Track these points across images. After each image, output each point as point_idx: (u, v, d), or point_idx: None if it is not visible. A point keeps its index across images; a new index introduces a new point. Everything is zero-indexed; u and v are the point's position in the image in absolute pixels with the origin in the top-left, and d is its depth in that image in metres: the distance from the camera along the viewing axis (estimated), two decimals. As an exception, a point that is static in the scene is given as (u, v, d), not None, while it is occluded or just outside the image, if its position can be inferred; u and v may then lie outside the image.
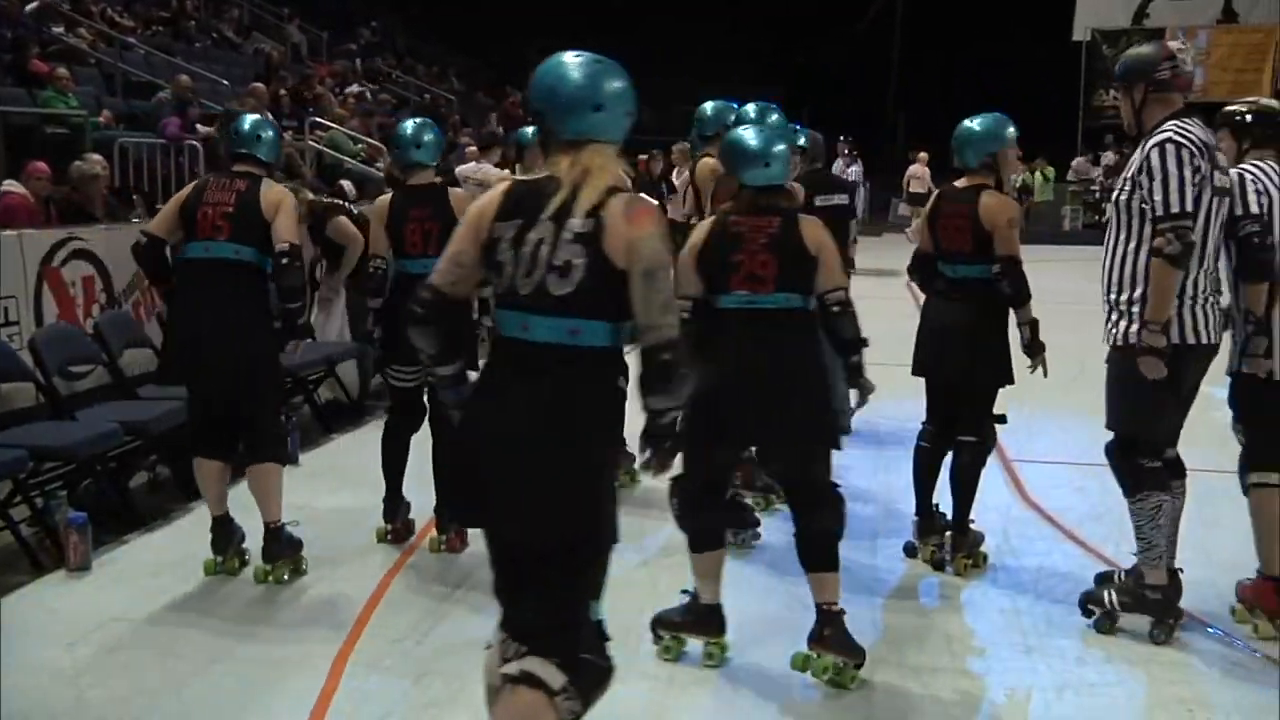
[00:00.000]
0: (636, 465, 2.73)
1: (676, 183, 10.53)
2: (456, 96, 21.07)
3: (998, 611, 4.39)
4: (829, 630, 3.78)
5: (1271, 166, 4.22)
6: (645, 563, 4.83)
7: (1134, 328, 3.94)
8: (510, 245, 2.65)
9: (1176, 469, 4.20)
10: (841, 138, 17.91)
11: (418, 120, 5.33)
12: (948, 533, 4.81)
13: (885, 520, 5.40)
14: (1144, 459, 4.07)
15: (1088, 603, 4.26)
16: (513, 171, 7.11)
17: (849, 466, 6.36)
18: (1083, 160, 23.74)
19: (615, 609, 2.89)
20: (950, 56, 32.67)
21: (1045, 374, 4.64)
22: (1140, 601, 4.13)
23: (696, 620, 3.96)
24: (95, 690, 3.69)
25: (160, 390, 6.02)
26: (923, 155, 18.71)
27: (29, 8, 12.16)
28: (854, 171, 17.38)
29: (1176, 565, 4.23)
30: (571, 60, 2.72)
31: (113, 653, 3.98)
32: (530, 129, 6.98)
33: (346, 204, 7.91)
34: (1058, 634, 4.17)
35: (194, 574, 4.68)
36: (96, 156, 7.92)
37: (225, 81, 13.27)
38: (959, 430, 4.73)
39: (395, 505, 5.17)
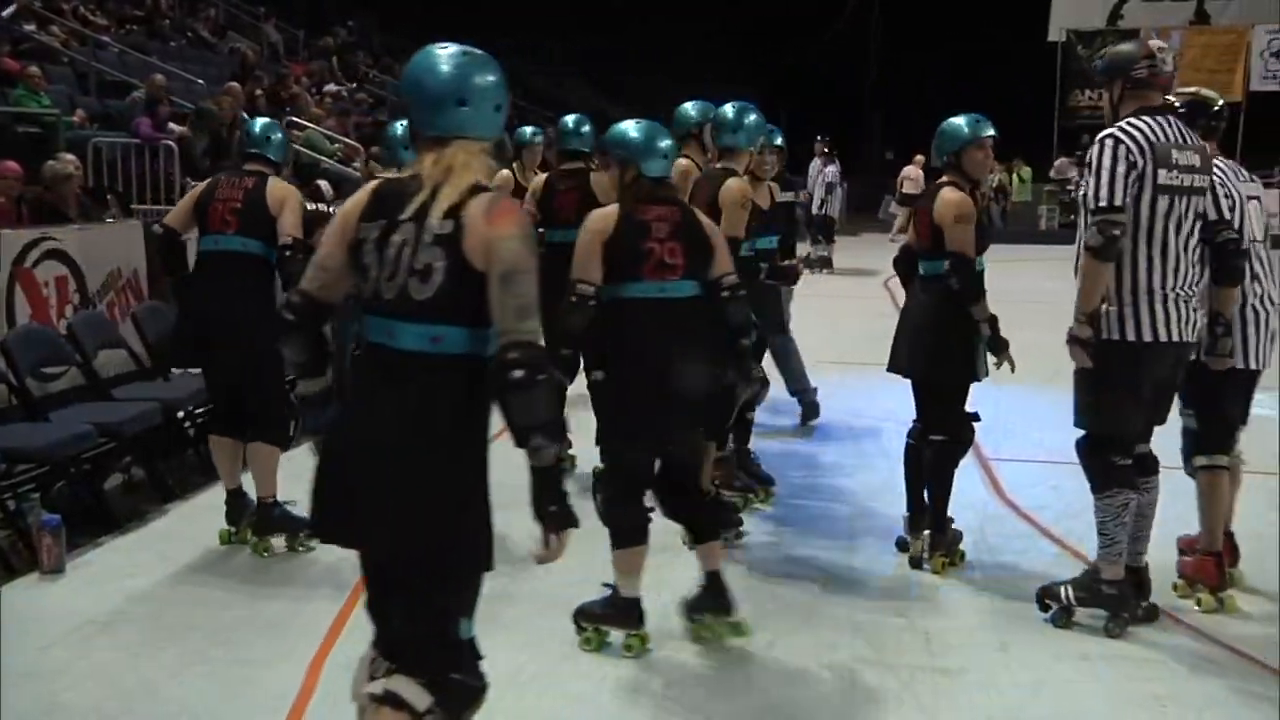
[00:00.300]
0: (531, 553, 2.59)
1: None
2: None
3: (975, 609, 4.41)
4: (718, 595, 4.02)
5: (1230, 164, 4.30)
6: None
7: (1115, 325, 3.99)
8: (374, 247, 2.53)
9: (1147, 466, 4.23)
10: (819, 138, 17.94)
11: (407, 121, 5.36)
12: (925, 531, 4.83)
13: (863, 519, 5.41)
14: (1114, 456, 4.10)
15: (1045, 597, 4.29)
16: (513, 171, 7.20)
17: (827, 465, 6.40)
18: (1065, 160, 23.86)
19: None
20: (927, 57, 32.81)
21: (1013, 369, 4.65)
22: (1095, 596, 4.17)
23: (617, 613, 4.02)
24: (69, 694, 3.66)
25: (135, 391, 6.00)
26: (919, 158, 18.79)
27: (5, 11, 12.06)
28: (831, 171, 17.40)
29: (1147, 559, 4.28)
30: (439, 52, 2.60)
31: (87, 655, 3.95)
32: (529, 129, 7.14)
33: (329, 209, 7.89)
34: (1034, 631, 4.19)
35: (169, 576, 4.65)
36: (69, 156, 7.88)
37: (200, 81, 13.20)
38: (931, 428, 4.75)
39: None
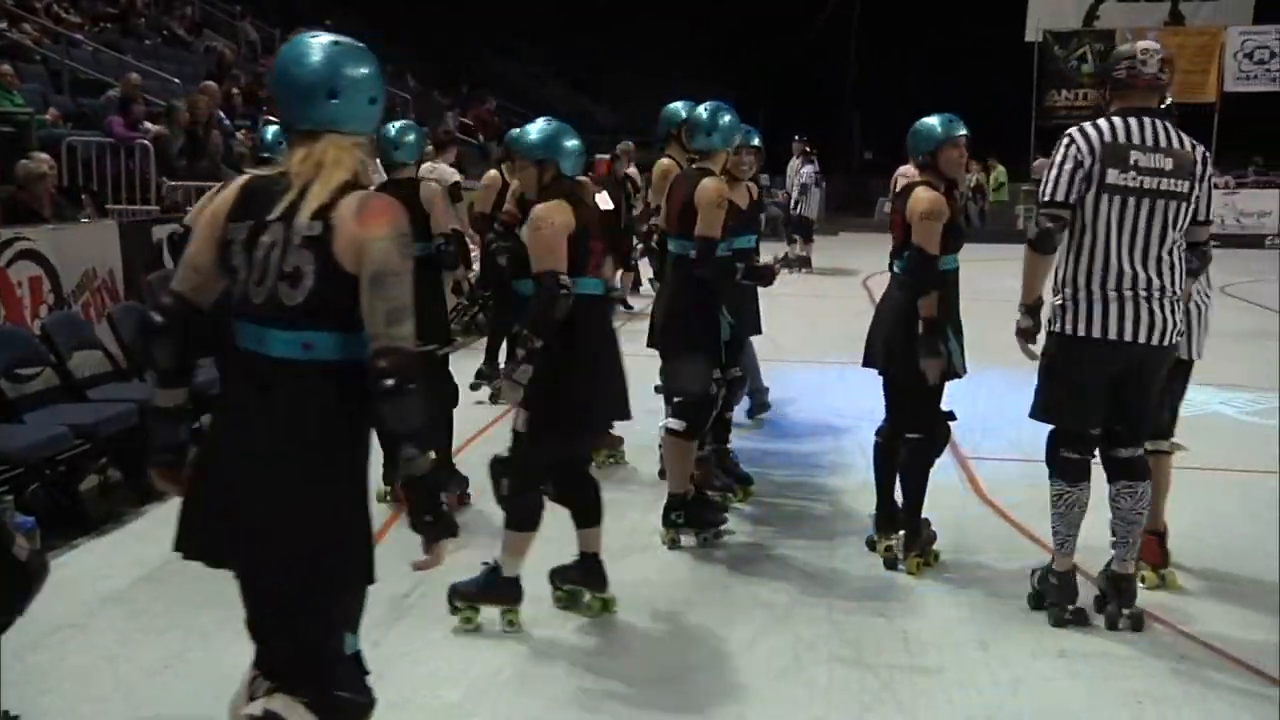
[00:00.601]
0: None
1: (640, 179, 10.59)
2: (412, 95, 20.94)
3: (953, 608, 4.43)
4: (593, 573, 4.22)
5: None
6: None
7: (1057, 317, 4.13)
8: (242, 249, 2.41)
9: (1119, 470, 4.22)
10: (797, 137, 17.96)
11: (400, 123, 5.63)
12: (899, 531, 4.84)
13: (842, 519, 5.42)
14: (1062, 447, 4.23)
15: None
16: (501, 174, 7.30)
17: (806, 464, 6.41)
18: (1043, 160, 23.95)
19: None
20: (906, 57, 32.94)
21: (930, 380, 4.60)
22: (1044, 584, 4.33)
23: (497, 591, 4.11)
24: (46, 697, 3.63)
25: (110, 392, 5.96)
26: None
27: None
28: (807, 172, 17.40)
29: (1132, 568, 4.29)
30: (310, 41, 2.47)
31: (63, 659, 3.91)
32: (518, 130, 7.11)
33: None
34: (1013, 629, 4.21)
35: (145, 578, 4.61)
36: (43, 155, 7.81)
37: (176, 80, 13.12)
38: (907, 426, 4.76)
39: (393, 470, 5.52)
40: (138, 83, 11.10)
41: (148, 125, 10.52)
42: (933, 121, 4.66)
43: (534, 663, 3.90)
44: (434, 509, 2.46)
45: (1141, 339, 4.04)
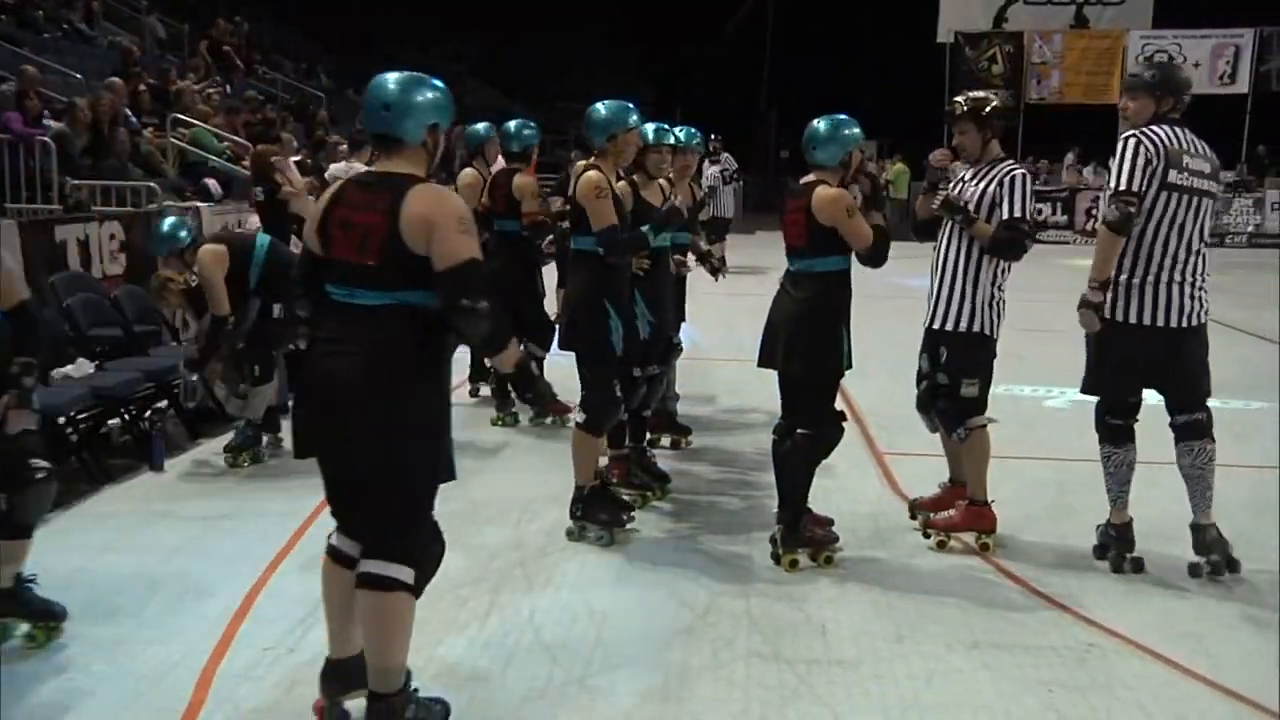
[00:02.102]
0: None
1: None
2: (326, 94, 20.64)
3: (870, 602, 4.48)
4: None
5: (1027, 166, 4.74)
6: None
7: (1114, 304, 4.65)
8: None
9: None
10: (712, 136, 18.01)
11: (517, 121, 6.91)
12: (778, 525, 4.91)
13: (759, 515, 5.45)
14: (1107, 415, 4.83)
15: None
16: (475, 169, 7.46)
17: (723, 462, 6.45)
18: (944, 152, 24.31)
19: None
20: (821, 57, 33.28)
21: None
22: (1105, 538, 4.91)
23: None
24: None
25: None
26: (897, 158, 19.09)
27: None
28: (712, 173, 17.45)
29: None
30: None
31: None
32: (482, 126, 7.74)
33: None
34: (928, 622, 4.28)
35: (64, 581, 4.46)
36: (-63, 153, 7.55)
37: (78, 75, 12.77)
38: (798, 423, 4.82)
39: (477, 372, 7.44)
40: (36, 77, 10.76)
41: (49, 122, 10.22)
42: (846, 124, 4.76)
43: (450, 666, 3.87)
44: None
45: (1182, 324, 4.62)
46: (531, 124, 7.32)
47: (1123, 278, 4.63)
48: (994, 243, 4.85)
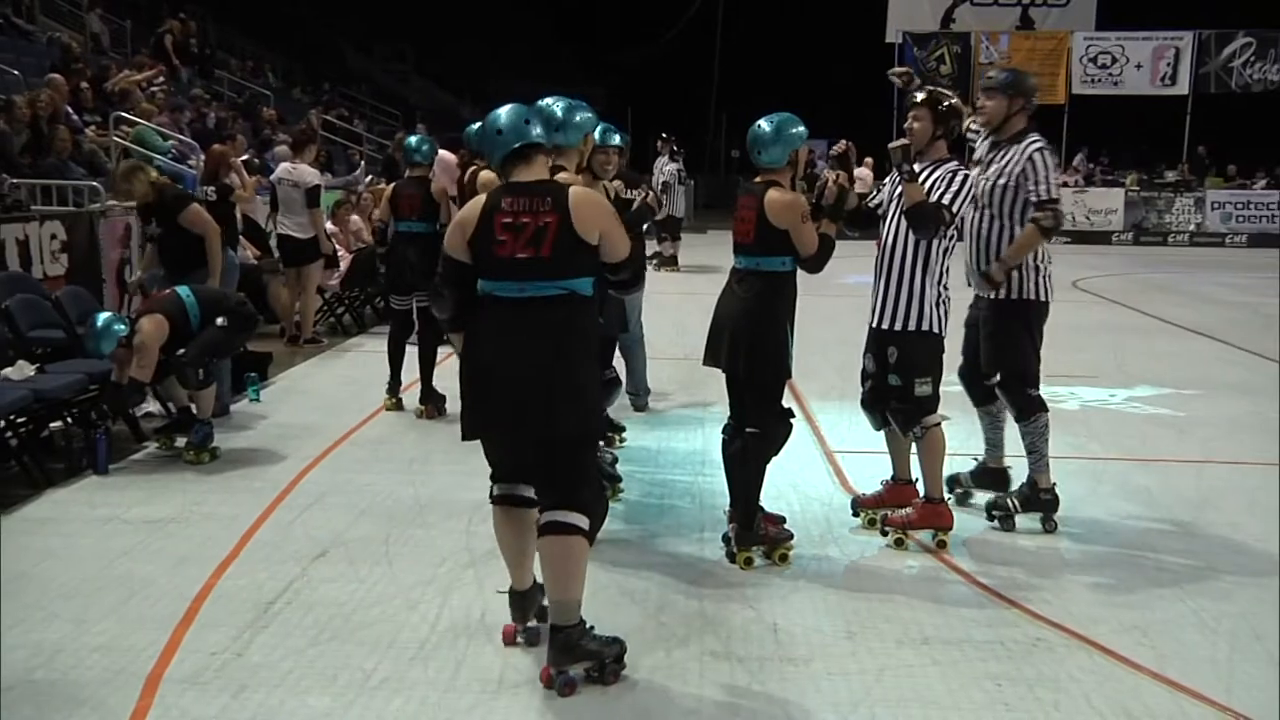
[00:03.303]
0: None
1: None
2: (273, 93, 20.42)
3: (821, 600, 4.50)
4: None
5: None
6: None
7: (1040, 287, 5.19)
8: None
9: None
10: (663, 135, 18.04)
11: (417, 136, 7.95)
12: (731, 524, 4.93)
13: (711, 514, 5.46)
14: (1028, 389, 5.21)
15: (992, 509, 5.34)
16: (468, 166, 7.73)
17: (675, 462, 6.45)
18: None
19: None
20: (771, 57, 33.44)
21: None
22: (1034, 502, 5.28)
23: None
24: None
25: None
26: (868, 160, 19.13)
27: None
28: (669, 170, 17.47)
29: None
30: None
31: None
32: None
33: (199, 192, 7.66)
34: (879, 619, 4.31)
35: (4, 587, 4.40)
36: None
37: (15, 71, 12.52)
38: (746, 422, 4.83)
39: (396, 384, 7.67)
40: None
41: (-12, 121, 10.02)
42: (794, 122, 4.75)
43: (401, 667, 3.84)
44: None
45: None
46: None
47: (1042, 265, 5.19)
48: (912, 214, 4.88)
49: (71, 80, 12.40)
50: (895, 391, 5.06)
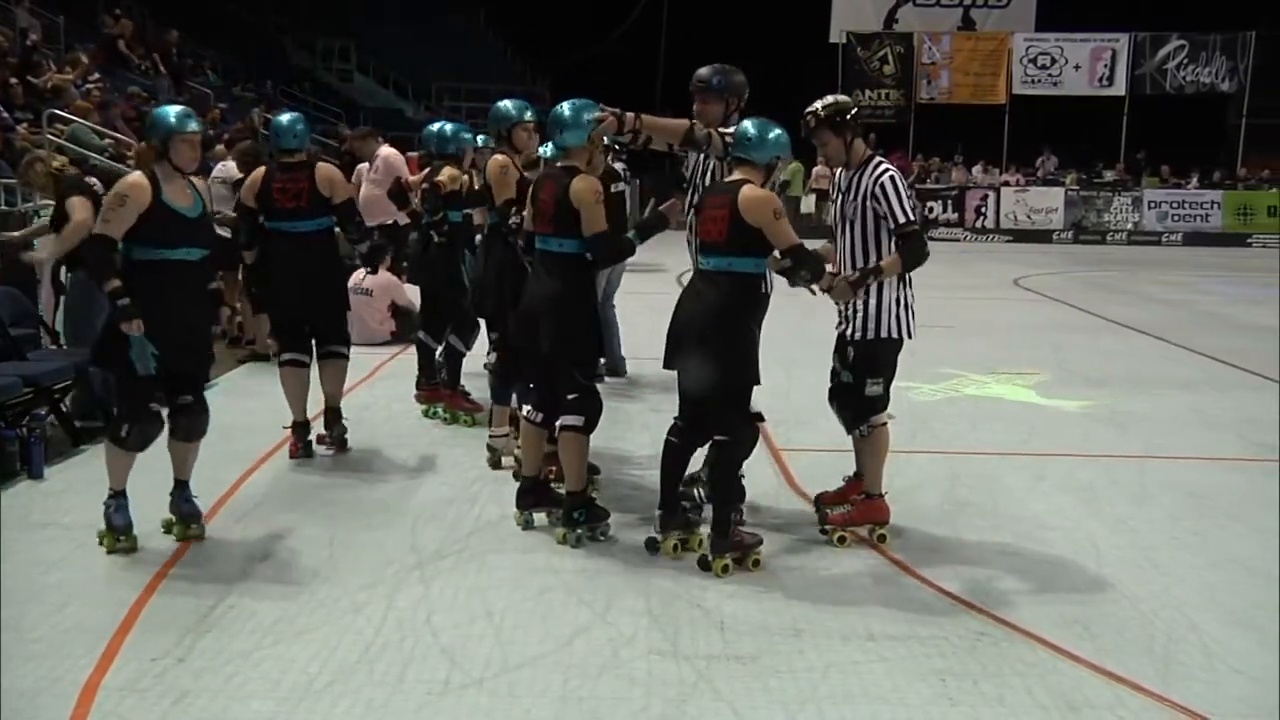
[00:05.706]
0: None
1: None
2: (213, 91, 20.12)
3: (768, 598, 4.51)
4: None
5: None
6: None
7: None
8: None
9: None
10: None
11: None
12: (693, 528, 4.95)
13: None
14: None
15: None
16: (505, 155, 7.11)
17: (621, 461, 6.44)
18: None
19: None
20: (716, 55, 33.50)
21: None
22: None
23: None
24: None
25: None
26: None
27: None
28: (621, 168, 17.49)
29: None
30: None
31: None
32: (512, 104, 7.39)
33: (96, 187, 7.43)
34: (825, 616, 4.33)
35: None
36: None
37: (-58, 69, 12.25)
38: (713, 429, 4.82)
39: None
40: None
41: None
42: (780, 129, 4.84)
43: (346, 672, 3.80)
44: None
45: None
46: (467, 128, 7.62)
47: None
48: (903, 263, 4.90)
49: (1, 76, 12.13)
50: (846, 388, 5.09)
